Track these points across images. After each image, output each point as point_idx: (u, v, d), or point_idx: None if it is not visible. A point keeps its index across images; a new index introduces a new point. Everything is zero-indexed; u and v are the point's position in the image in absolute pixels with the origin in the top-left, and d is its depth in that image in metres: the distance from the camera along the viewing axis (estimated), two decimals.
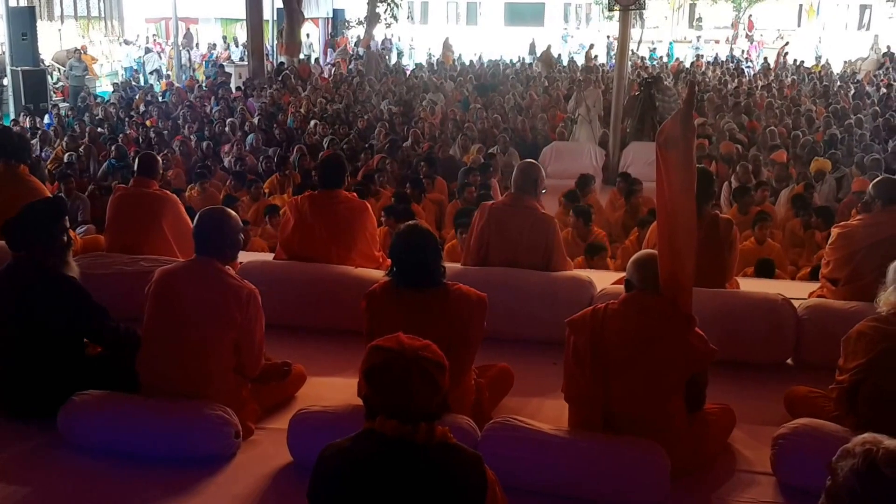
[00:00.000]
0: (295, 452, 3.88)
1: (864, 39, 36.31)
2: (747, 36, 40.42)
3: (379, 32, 35.07)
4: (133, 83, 24.71)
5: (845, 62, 30.86)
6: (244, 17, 24.67)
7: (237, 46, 31.54)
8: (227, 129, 15.44)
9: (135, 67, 28.27)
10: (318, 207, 5.84)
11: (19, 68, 19.53)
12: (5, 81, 20.68)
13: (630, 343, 3.79)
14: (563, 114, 17.28)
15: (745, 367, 5.00)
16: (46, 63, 23.97)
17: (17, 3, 23.14)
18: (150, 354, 4.16)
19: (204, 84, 23.11)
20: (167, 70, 28.75)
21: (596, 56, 31.77)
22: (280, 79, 22.68)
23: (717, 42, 41.95)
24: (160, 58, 30.00)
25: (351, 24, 35.98)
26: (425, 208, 9.87)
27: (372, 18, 33.62)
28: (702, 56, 33.36)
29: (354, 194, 6.19)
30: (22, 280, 4.27)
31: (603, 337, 3.82)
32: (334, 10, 36.90)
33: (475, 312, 3.99)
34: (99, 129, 15.71)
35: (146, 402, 4.04)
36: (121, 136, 14.86)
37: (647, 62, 30.30)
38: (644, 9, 16.33)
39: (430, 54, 33.60)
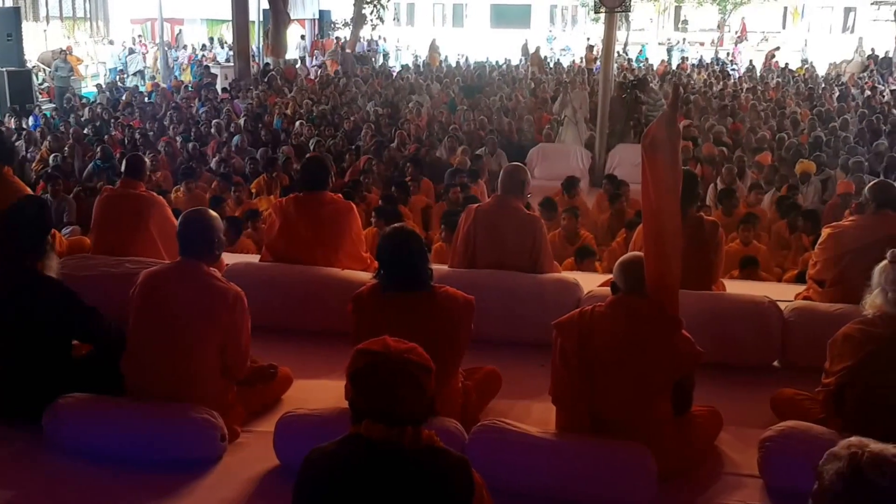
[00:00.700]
0: (281, 455, 3.86)
1: (848, 42, 36.53)
2: (740, 39, 40.58)
3: (365, 34, 35.03)
4: (119, 84, 24.57)
5: (830, 64, 31.02)
6: (230, 18, 24.61)
7: (222, 48, 31.43)
8: (213, 130, 15.39)
9: (119, 68, 28.06)
10: (303, 209, 5.82)
11: (4, 69, 19.43)
12: None
13: (617, 345, 3.79)
14: (550, 115, 17.31)
15: (732, 369, 5.00)
16: (32, 64, 23.83)
17: (3, 4, 23.02)
18: (135, 357, 4.13)
19: (190, 86, 23.02)
20: (152, 71, 28.62)
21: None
22: (266, 80, 22.63)
23: (701, 44, 42.10)
24: (144, 59, 29.82)
25: (337, 25, 35.92)
26: (412, 210, 9.86)
27: (358, 20, 33.56)
28: (687, 58, 33.48)
29: (339, 195, 6.17)
30: (7, 281, 4.24)
31: (590, 339, 3.83)
32: (321, 12, 36.86)
33: (463, 315, 3.98)
34: (84, 131, 15.62)
35: (132, 404, 4.02)
36: (106, 137, 14.79)
37: (634, 64, 30.36)
38: (630, 11, 16.36)
39: (415, 56, 33.59)
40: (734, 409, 4.39)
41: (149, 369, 4.08)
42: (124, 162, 6.59)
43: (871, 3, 44.43)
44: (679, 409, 3.91)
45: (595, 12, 18.61)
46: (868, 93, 22.17)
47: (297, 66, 27.23)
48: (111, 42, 31.43)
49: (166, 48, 29.55)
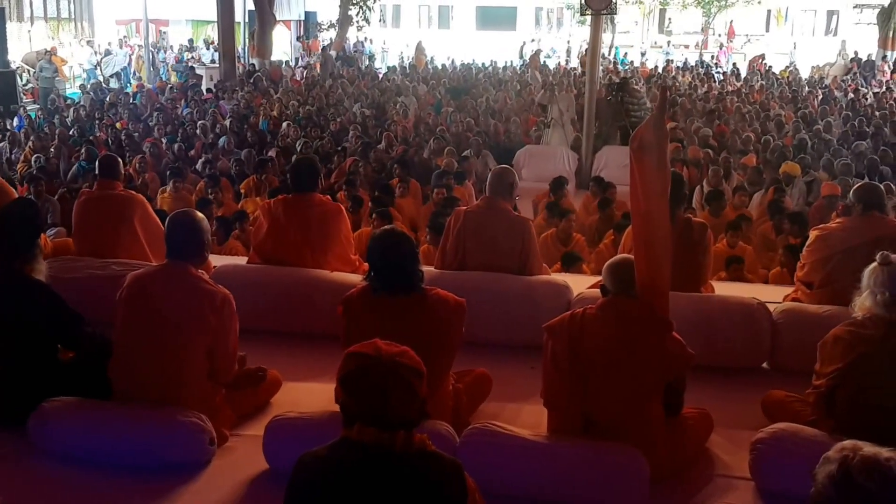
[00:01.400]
0: (271, 459, 3.83)
1: (831, 45, 36.76)
2: (729, 42, 40.79)
3: (352, 35, 35.01)
4: (103, 85, 24.44)
5: (812, 67, 31.18)
6: (215, 19, 24.52)
7: (208, 49, 31.31)
8: (198, 131, 15.32)
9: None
10: (292, 211, 5.78)
11: None
12: None
13: (608, 348, 3.78)
14: (536, 117, 17.32)
15: (721, 371, 5.00)
16: (16, 64, 23.68)
17: None
18: (122, 360, 4.09)
19: (175, 87, 22.92)
20: (137, 72, 28.46)
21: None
22: (252, 81, 22.56)
23: (686, 47, 42.27)
24: (127, 59, 29.63)
25: (323, 26, 35.86)
26: (401, 211, 9.84)
27: (344, 21, 33.54)
28: (672, 61, 33.59)
29: (328, 197, 6.14)
30: None
31: (581, 342, 3.82)
32: (306, 13, 36.77)
33: (454, 317, 3.96)
34: (69, 132, 15.52)
35: (119, 408, 3.99)
36: (91, 138, 14.69)
37: (619, 66, 30.44)
38: (616, 13, 16.38)
39: (401, 57, 33.59)
40: (724, 410, 4.39)
41: (136, 372, 4.04)
42: (98, 163, 6.54)
43: (854, 7, 44.75)
44: (670, 411, 3.91)
45: (581, 14, 18.61)
46: (851, 95, 22.29)
47: (283, 67, 27.16)
48: (89, 43, 31.24)
49: (152, 49, 29.41)
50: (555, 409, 3.95)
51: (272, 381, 4.56)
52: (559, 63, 32.63)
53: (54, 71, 23.05)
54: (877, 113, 18.33)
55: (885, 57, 30.93)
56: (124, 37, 33.15)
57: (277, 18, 28.64)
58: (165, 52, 31.60)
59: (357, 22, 33.65)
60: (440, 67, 29.53)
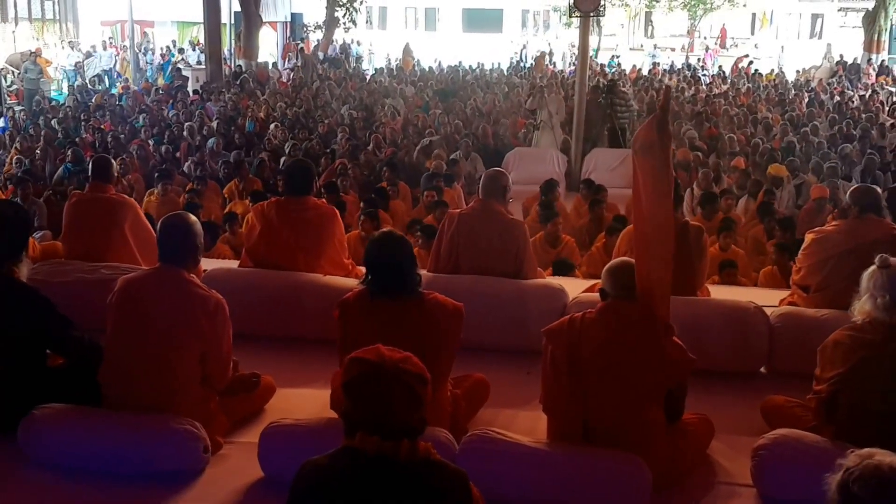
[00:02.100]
0: (266, 467, 3.76)
1: (816, 48, 36.92)
2: (721, 44, 40.95)
3: (339, 37, 34.93)
4: (88, 87, 24.27)
5: (797, 71, 31.30)
6: (201, 21, 24.40)
7: (193, 50, 31.15)
8: (185, 133, 15.22)
9: (84, 68, 27.66)
10: (286, 214, 5.71)
11: None
12: None
13: (608, 353, 3.73)
14: (525, 119, 17.30)
15: (719, 376, 4.94)
16: (0, 66, 23.48)
17: None
18: (113, 366, 4.02)
19: (161, 89, 22.78)
20: (122, 74, 28.27)
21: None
22: (238, 83, 22.45)
23: (672, 50, 42.40)
24: (112, 61, 29.43)
25: (309, 28, 35.75)
26: (392, 215, 9.80)
27: (330, 23, 33.45)
28: (658, 63, 33.66)
29: (323, 200, 6.08)
30: None
31: (580, 346, 3.76)
32: (292, 14, 36.63)
33: (452, 322, 3.92)
34: (55, 134, 15.39)
35: (110, 415, 3.91)
36: (77, 139, 14.57)
37: (606, 69, 30.46)
38: (603, 16, 16.38)
39: (388, 59, 33.52)
40: (723, 416, 4.34)
41: (127, 379, 3.97)
42: (90, 165, 6.45)
43: (839, 10, 44.99)
44: (671, 416, 3.86)
45: (570, 16, 18.61)
46: (837, 98, 22.38)
47: (270, 68, 27.06)
48: (70, 44, 31.03)
49: (137, 50, 29.23)
50: (554, 415, 3.90)
51: (266, 387, 4.49)
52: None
53: (39, 72, 22.90)
54: (863, 116, 18.40)
55: (870, 60, 31.08)
56: (110, 38, 32.93)
57: (264, 20, 28.51)
58: (150, 53, 31.35)
59: (343, 23, 33.56)
60: (427, 69, 29.48)
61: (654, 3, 46.92)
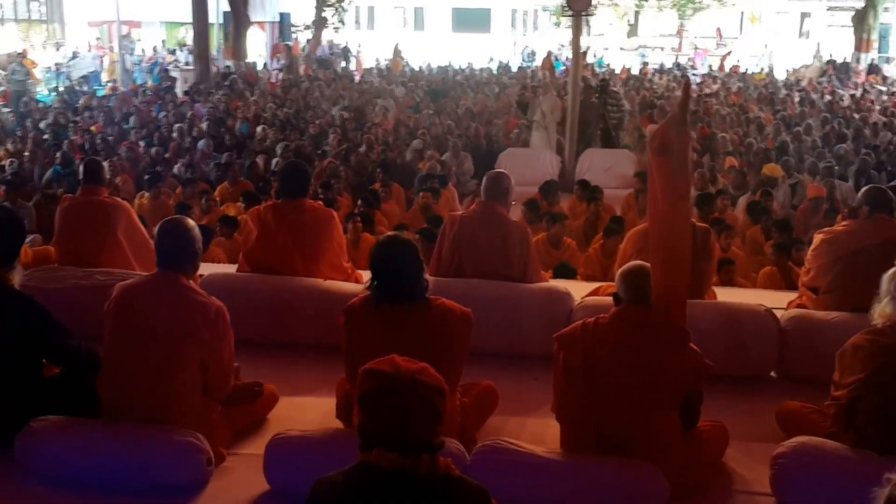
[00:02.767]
0: (272, 480, 3.63)
1: (805, 47, 36.97)
2: (719, 44, 41.02)
3: (327, 38, 34.79)
4: (76, 88, 24.07)
5: (787, 70, 31.33)
6: (189, 21, 24.24)
7: (181, 50, 30.96)
8: (175, 134, 15.07)
9: (67, 70, 27.42)
10: (283, 217, 5.57)
11: None
12: None
13: (622, 358, 3.63)
14: (517, 119, 17.21)
15: (729, 380, 4.82)
16: None
17: None
18: (111, 376, 3.88)
19: (150, 90, 22.59)
20: (109, 76, 28.06)
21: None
22: (227, 83, 22.29)
23: (661, 49, 42.38)
24: (98, 62, 29.20)
25: (298, 28, 35.60)
26: (385, 216, 9.68)
27: (319, 23, 33.31)
28: (647, 63, 33.63)
29: (320, 203, 5.95)
30: None
31: (593, 352, 3.66)
32: (281, 15, 36.46)
33: (460, 328, 3.81)
34: (44, 136, 15.20)
35: (110, 427, 3.78)
36: (66, 142, 14.39)
37: (597, 69, 30.41)
38: (594, 15, 16.31)
39: (377, 59, 33.39)
40: (737, 422, 4.23)
41: (126, 389, 3.84)
42: (82, 168, 6.31)
43: (828, 9, 45.05)
44: (687, 424, 3.76)
45: (561, 16, 18.54)
46: (828, 97, 22.38)
47: (259, 69, 26.93)
48: (57, 45, 30.80)
49: (123, 52, 29.01)
50: (567, 424, 3.79)
51: (268, 396, 4.35)
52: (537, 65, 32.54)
53: (26, 73, 22.71)
54: (855, 115, 18.40)
55: (859, 59, 31.15)
56: (97, 38, 32.71)
57: (252, 20, 28.34)
58: (133, 53, 31.11)
59: (332, 23, 33.43)
60: (417, 70, 29.37)
61: (643, 2, 46.90)
